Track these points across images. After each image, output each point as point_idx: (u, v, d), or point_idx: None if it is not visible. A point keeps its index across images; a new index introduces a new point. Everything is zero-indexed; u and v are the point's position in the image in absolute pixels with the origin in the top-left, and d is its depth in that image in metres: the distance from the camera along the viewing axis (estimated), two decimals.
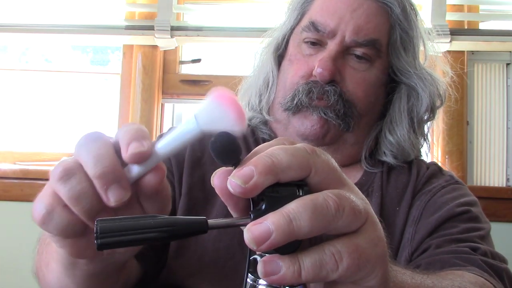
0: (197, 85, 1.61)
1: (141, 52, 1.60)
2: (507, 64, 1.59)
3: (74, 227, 0.44)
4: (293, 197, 0.37)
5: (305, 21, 0.89)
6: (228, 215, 0.42)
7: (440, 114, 1.52)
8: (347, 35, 0.83)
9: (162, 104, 1.63)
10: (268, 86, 0.93)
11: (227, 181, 0.37)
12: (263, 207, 0.37)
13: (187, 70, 1.67)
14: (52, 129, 1.71)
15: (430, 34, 0.97)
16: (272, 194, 0.37)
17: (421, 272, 0.56)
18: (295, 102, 0.84)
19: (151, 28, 1.53)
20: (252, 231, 0.35)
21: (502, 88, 1.58)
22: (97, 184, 0.43)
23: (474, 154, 1.56)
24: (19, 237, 1.51)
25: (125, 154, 0.43)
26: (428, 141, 0.96)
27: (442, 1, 1.51)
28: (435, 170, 0.90)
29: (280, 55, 0.94)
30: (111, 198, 0.43)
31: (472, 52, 1.58)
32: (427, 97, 0.89)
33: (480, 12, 1.62)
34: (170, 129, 0.84)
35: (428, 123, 0.96)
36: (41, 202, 0.44)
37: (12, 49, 1.78)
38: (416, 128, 0.91)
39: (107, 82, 1.75)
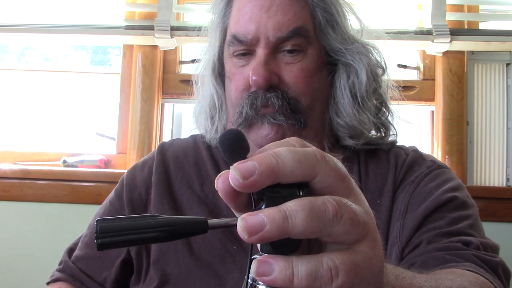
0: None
1: (141, 52, 1.60)
2: (507, 64, 1.59)
3: None
4: (293, 198, 0.37)
5: (228, 36, 0.88)
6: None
7: (440, 114, 1.53)
8: (270, 35, 0.82)
9: (162, 104, 1.63)
10: (216, 107, 0.93)
11: (229, 173, 0.37)
12: (263, 207, 0.37)
13: (187, 70, 1.67)
14: (52, 129, 1.71)
15: (352, 8, 0.93)
16: (272, 195, 0.37)
17: (419, 274, 0.54)
18: (243, 116, 0.83)
19: (151, 28, 1.53)
20: (246, 220, 0.35)
21: (502, 88, 1.58)
22: None
23: (474, 154, 1.56)
24: (19, 237, 1.51)
25: None
26: (390, 110, 0.94)
27: (442, 1, 1.50)
28: (415, 157, 0.89)
29: (220, 73, 0.93)
30: None
31: (472, 52, 1.58)
32: (364, 70, 0.87)
33: (480, 12, 1.61)
34: None
35: (386, 90, 0.93)
36: None
37: (12, 49, 1.78)
38: (361, 104, 0.88)
39: (107, 82, 1.75)
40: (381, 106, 0.93)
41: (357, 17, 0.93)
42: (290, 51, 0.83)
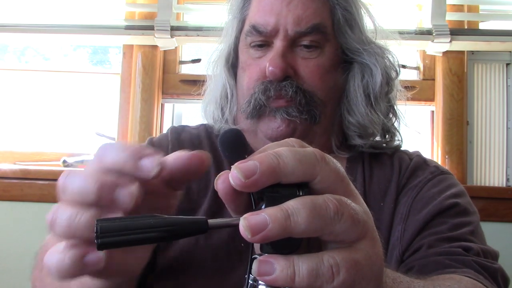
0: (197, 85, 1.61)
1: (141, 52, 1.60)
2: (507, 64, 1.59)
3: None
4: (293, 197, 0.37)
5: (246, 26, 0.88)
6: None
7: (440, 114, 1.53)
8: (289, 28, 0.83)
9: (162, 104, 1.63)
10: (227, 98, 0.93)
11: (230, 172, 0.37)
12: (263, 207, 0.37)
13: (187, 70, 1.67)
14: (52, 129, 1.71)
15: (369, 10, 0.94)
16: (272, 194, 0.37)
17: (417, 280, 0.54)
18: (252, 103, 0.83)
19: (151, 28, 1.54)
20: (249, 220, 0.35)
21: (502, 88, 1.58)
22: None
23: (474, 154, 1.56)
24: (19, 237, 1.51)
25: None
26: (398, 116, 0.95)
27: (442, 1, 1.51)
28: (418, 162, 0.89)
29: (233, 65, 0.93)
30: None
31: (472, 52, 1.58)
32: (379, 71, 0.88)
33: (480, 12, 1.62)
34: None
35: (396, 95, 0.94)
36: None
37: (12, 49, 1.78)
38: (374, 104, 0.89)
39: (107, 82, 1.75)
40: (389, 110, 0.94)
41: (372, 18, 0.94)
42: (307, 46, 0.84)
